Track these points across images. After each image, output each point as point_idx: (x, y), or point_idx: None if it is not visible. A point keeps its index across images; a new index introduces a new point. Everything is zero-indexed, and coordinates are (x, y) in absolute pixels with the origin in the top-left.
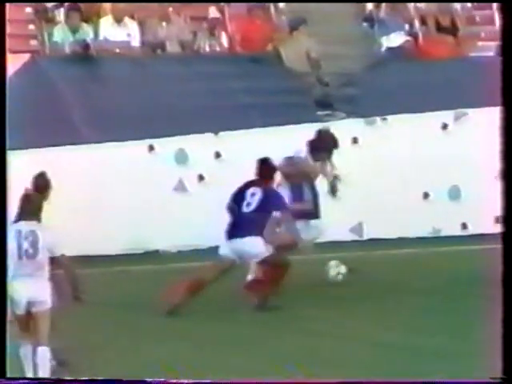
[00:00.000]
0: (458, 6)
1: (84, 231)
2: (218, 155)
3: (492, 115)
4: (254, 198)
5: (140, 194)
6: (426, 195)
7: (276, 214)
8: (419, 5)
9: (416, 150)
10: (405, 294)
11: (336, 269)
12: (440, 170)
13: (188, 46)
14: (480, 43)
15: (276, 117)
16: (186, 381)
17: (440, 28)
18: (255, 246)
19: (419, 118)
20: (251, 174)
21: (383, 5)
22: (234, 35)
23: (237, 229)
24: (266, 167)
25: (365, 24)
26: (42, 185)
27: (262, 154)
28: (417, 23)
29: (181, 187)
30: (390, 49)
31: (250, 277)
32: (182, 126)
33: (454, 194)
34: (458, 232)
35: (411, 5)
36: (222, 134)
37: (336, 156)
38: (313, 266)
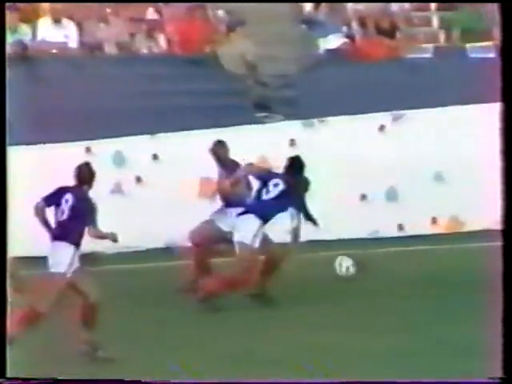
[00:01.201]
0: (396, 7)
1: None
2: (155, 157)
3: (429, 116)
4: (276, 188)
5: None
6: (363, 196)
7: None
8: (358, 6)
9: (354, 152)
10: (344, 296)
11: (344, 264)
12: (377, 172)
13: (126, 48)
14: (418, 45)
15: (214, 119)
16: (185, 381)
17: (379, 30)
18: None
19: (357, 120)
20: (188, 176)
21: (322, 6)
22: (173, 37)
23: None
24: (295, 163)
25: (303, 25)
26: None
27: (200, 155)
28: (355, 25)
29: (118, 189)
30: (328, 50)
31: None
32: (120, 127)
33: (391, 195)
34: (395, 233)
35: (350, 6)
36: (159, 135)
37: (273, 159)
38: None
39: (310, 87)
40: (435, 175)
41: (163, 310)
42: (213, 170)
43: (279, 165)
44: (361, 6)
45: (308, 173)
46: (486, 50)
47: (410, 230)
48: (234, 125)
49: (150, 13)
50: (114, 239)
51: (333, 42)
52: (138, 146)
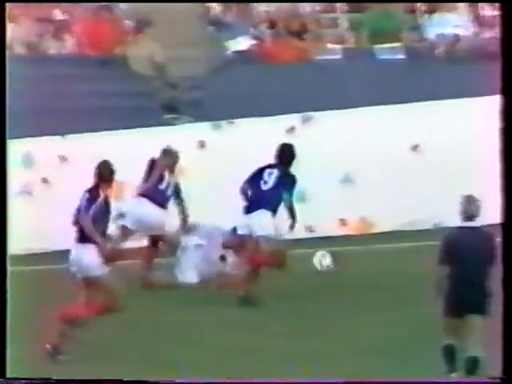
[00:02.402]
0: (306, 8)
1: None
2: (64, 158)
3: (338, 118)
4: (271, 176)
5: None
6: None
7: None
8: (267, 8)
9: (263, 154)
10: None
11: (322, 259)
12: None
13: (34, 48)
14: (327, 46)
15: (123, 120)
16: (185, 381)
17: (288, 31)
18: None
19: (266, 122)
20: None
21: (230, 7)
22: (81, 37)
23: (255, 204)
24: (288, 153)
25: (211, 27)
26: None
27: (109, 157)
28: (264, 26)
29: (26, 190)
30: (236, 52)
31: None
32: (29, 128)
33: (299, 196)
34: (303, 235)
35: (259, 8)
36: (68, 136)
37: (183, 160)
38: None
39: (219, 89)
40: (344, 177)
41: None
42: (122, 171)
43: (189, 166)
44: (270, 7)
45: (216, 175)
46: (394, 51)
47: (318, 232)
48: (142, 126)
49: (58, 13)
50: None
51: (241, 43)
52: (46, 147)
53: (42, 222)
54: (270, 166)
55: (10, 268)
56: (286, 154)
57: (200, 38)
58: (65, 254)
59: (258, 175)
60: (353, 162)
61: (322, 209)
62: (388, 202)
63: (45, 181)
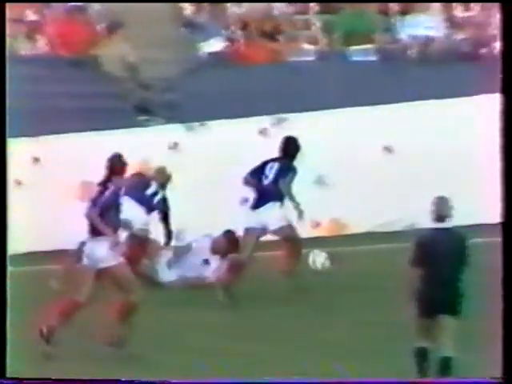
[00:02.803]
0: (279, 10)
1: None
2: (36, 160)
3: (311, 120)
4: (271, 170)
5: None
6: (245, 200)
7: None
8: (240, 9)
9: (235, 155)
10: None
11: (318, 258)
12: None
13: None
14: (299, 47)
15: (95, 121)
16: (185, 381)
17: (261, 33)
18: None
19: (239, 123)
20: (69, 179)
21: (203, 9)
22: (53, 38)
23: (261, 199)
24: (292, 146)
25: (184, 28)
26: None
27: (81, 158)
28: (237, 28)
29: None
30: (209, 54)
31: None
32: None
33: None
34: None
35: (231, 9)
36: (41, 138)
37: (156, 162)
38: None
39: (192, 90)
40: (317, 178)
41: None
42: (94, 173)
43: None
44: (243, 8)
45: (189, 177)
46: (367, 52)
47: None
48: (115, 128)
49: (30, 14)
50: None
51: (214, 45)
52: (18, 149)
53: (16, 224)
54: (273, 160)
55: None
56: (289, 148)
57: (172, 40)
58: (36, 255)
59: (260, 169)
60: (326, 163)
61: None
62: (361, 203)
63: (18, 182)
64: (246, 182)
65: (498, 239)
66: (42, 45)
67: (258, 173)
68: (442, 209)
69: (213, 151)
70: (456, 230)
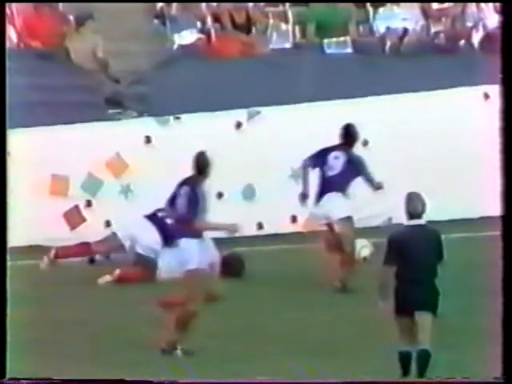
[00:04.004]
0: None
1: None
2: (7, 154)
3: (286, 113)
4: (337, 161)
5: None
6: (220, 195)
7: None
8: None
9: (210, 149)
10: None
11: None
12: (234, 169)
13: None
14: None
15: (65, 115)
16: (186, 380)
17: (234, 25)
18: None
19: (213, 117)
20: (40, 173)
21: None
22: (21, 30)
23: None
24: (354, 133)
25: (156, 20)
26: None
27: (51, 152)
28: (209, 20)
29: None
30: (182, 46)
31: None
32: None
33: (248, 193)
34: (254, 232)
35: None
36: (8, 132)
37: (128, 156)
38: None
39: (164, 83)
40: (293, 172)
41: None
42: (65, 167)
43: (135, 162)
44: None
45: (162, 171)
46: (341, 45)
47: (268, 229)
48: (85, 121)
49: None
50: (234, 230)
51: (187, 37)
52: None
53: None
54: (334, 149)
55: None
56: (351, 135)
57: (144, 31)
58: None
59: (321, 158)
60: (302, 157)
61: (272, 205)
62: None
63: None
64: (305, 171)
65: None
66: (10, 36)
67: (319, 162)
68: (415, 205)
69: (186, 145)
70: (430, 226)
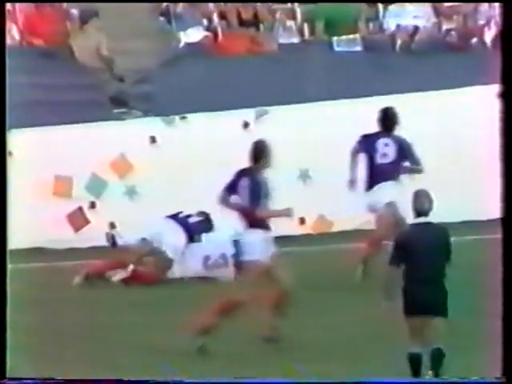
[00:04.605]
0: None
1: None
2: (9, 154)
3: (295, 112)
4: (388, 148)
5: None
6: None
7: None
8: None
9: (217, 150)
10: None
11: None
12: None
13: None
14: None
15: (69, 114)
16: (186, 380)
17: (241, 23)
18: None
19: (220, 117)
20: (44, 174)
21: None
22: (24, 27)
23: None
24: (395, 117)
25: (161, 18)
26: (260, 153)
27: (55, 152)
28: (216, 18)
29: None
30: (188, 44)
31: None
32: None
33: None
34: None
35: None
36: (13, 131)
37: (133, 157)
38: None
39: (170, 82)
40: (301, 173)
41: None
42: (68, 167)
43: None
44: None
45: (169, 172)
46: (351, 43)
47: (276, 231)
48: (89, 121)
49: None
50: (289, 214)
51: (193, 35)
52: None
53: None
54: (380, 135)
55: None
56: (391, 119)
57: (149, 29)
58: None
59: (370, 144)
60: (310, 157)
61: (280, 207)
62: (347, 199)
63: None
64: (354, 157)
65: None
66: (12, 34)
67: (368, 148)
68: (422, 203)
69: (193, 146)
70: (438, 224)
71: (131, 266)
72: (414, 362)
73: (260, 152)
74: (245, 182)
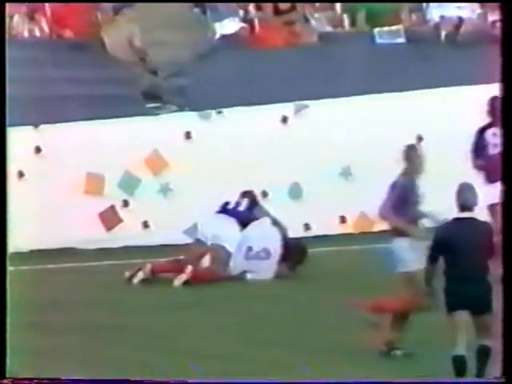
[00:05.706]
0: None
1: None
2: (38, 150)
3: (335, 107)
4: (497, 137)
5: None
6: (264, 194)
7: None
8: None
9: (254, 146)
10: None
11: None
12: (279, 167)
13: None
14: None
15: (100, 109)
16: (202, 381)
17: (278, 14)
18: None
19: (257, 111)
20: (75, 171)
21: None
22: (54, 19)
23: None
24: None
25: (196, 9)
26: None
27: (86, 148)
28: (252, 9)
29: None
30: (223, 36)
31: None
32: None
33: (295, 192)
34: (301, 233)
35: None
36: (42, 127)
37: (168, 153)
38: None
39: (205, 76)
40: (342, 170)
41: None
42: (100, 164)
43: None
44: None
45: (205, 168)
46: (393, 34)
47: (316, 230)
48: (122, 116)
49: None
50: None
51: (229, 26)
52: (19, 138)
53: (17, 220)
54: (487, 128)
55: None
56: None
57: (184, 21)
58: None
59: (480, 140)
60: (352, 154)
61: (320, 205)
62: None
63: (21, 174)
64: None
65: None
66: (42, 26)
67: (479, 143)
68: (466, 196)
69: (229, 141)
70: (481, 221)
71: (190, 268)
72: (459, 364)
73: (410, 157)
74: (394, 188)
